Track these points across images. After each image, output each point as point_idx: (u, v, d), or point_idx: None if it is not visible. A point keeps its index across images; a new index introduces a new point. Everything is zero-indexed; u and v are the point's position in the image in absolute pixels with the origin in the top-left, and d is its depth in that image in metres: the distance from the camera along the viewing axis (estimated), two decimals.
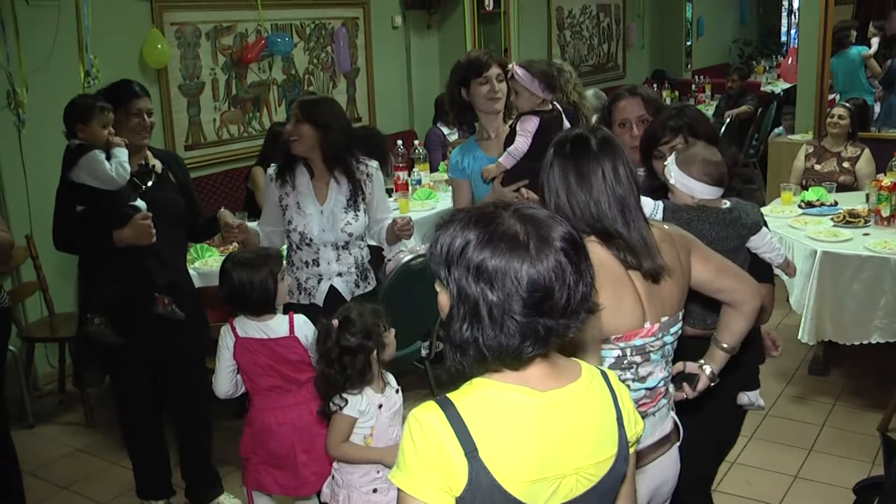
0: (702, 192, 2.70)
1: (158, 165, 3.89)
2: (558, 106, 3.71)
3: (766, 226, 2.89)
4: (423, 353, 4.90)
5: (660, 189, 2.92)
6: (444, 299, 1.62)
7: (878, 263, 4.65)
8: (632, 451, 1.75)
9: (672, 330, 2.28)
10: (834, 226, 5.13)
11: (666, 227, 2.37)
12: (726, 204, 2.77)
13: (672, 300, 2.27)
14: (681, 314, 2.32)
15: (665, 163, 2.79)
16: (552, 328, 1.56)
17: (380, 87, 8.28)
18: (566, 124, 3.69)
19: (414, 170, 6.65)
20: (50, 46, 5.44)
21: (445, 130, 7.34)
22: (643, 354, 2.22)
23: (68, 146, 3.63)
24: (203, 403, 4.05)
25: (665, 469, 2.37)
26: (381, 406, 3.03)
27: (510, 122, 3.76)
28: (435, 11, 8.78)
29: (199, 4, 6.53)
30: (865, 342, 4.76)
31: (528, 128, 3.60)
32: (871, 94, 7.80)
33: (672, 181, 2.73)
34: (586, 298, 1.59)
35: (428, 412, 1.58)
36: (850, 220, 5.15)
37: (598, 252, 2.12)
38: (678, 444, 2.42)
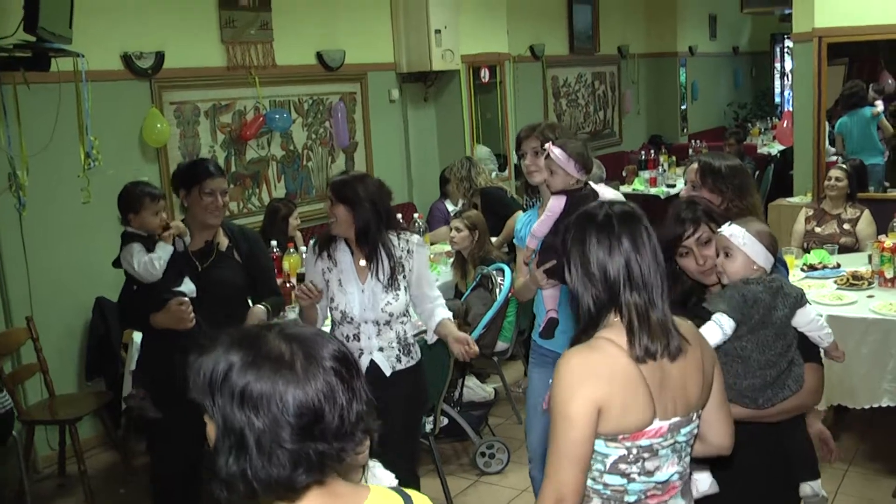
0: (766, 260, 2.73)
1: (224, 243, 3.91)
2: (593, 185, 3.68)
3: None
4: (427, 428, 4.84)
5: (691, 292, 2.90)
6: (210, 431, 1.52)
7: (885, 326, 4.62)
8: None
9: (683, 431, 2.22)
10: (838, 289, 5.11)
11: (696, 330, 2.37)
12: (769, 276, 2.78)
13: (688, 399, 2.22)
14: (695, 416, 2.26)
15: (722, 230, 2.77)
16: (325, 453, 1.46)
17: (378, 160, 8.32)
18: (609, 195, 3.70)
19: None
20: (51, 129, 5.46)
21: (450, 207, 7.33)
22: (650, 452, 2.17)
23: (123, 231, 3.78)
24: None
25: None
26: None
27: None
28: (431, 84, 8.86)
29: (197, 83, 6.59)
30: (875, 406, 4.71)
31: (552, 207, 3.58)
32: (881, 153, 7.83)
33: (741, 244, 2.71)
34: (362, 418, 1.50)
35: None
36: (854, 282, 5.13)
37: (609, 351, 2.12)
38: None
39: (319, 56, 7.58)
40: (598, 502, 2.20)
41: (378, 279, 3.80)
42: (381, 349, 3.83)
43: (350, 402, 1.48)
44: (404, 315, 3.92)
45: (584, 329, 2.21)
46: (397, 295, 3.84)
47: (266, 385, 1.43)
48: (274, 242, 5.69)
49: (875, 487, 4.72)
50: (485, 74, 9.25)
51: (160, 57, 6.24)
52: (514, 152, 3.95)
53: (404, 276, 3.87)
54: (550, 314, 3.68)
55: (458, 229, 5.83)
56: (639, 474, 2.17)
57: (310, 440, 1.44)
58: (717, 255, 2.77)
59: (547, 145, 3.60)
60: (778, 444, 2.82)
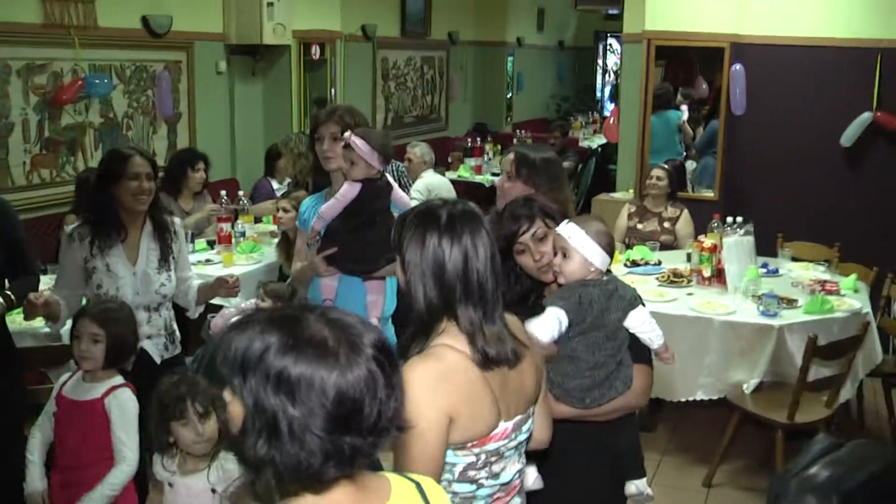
0: (602, 261, 2.68)
1: None
2: (388, 177, 3.63)
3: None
4: None
5: (531, 290, 2.86)
6: (235, 409, 1.45)
7: (702, 323, 4.79)
8: None
9: (524, 428, 2.21)
10: (659, 286, 5.26)
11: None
12: (605, 277, 2.74)
13: (527, 395, 2.20)
14: (531, 410, 2.25)
15: (559, 230, 2.71)
16: (358, 447, 1.42)
17: (202, 133, 7.99)
18: (401, 196, 3.68)
19: (238, 221, 6.41)
20: None
21: (275, 185, 7.14)
22: (497, 455, 2.14)
23: None
24: (13, 477, 3.67)
25: None
26: (170, 485, 2.95)
27: None
28: (261, 58, 8.60)
29: (9, 39, 6.11)
30: (691, 399, 4.89)
31: (345, 192, 3.50)
32: (679, 155, 8.13)
33: (578, 245, 2.64)
34: (398, 415, 1.47)
35: None
36: (675, 279, 5.30)
37: (452, 358, 2.05)
38: None
39: (145, 20, 7.18)
40: None
41: (150, 260, 3.73)
42: (149, 337, 3.75)
43: (389, 397, 1.44)
44: (169, 301, 3.88)
45: (415, 334, 2.12)
46: (170, 276, 3.80)
47: (306, 370, 1.38)
48: (75, 226, 5.35)
49: (687, 476, 4.92)
50: (316, 51, 9.07)
51: None
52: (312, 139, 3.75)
53: (174, 258, 3.83)
54: (326, 304, 3.63)
55: (285, 210, 5.65)
56: (487, 478, 2.13)
57: (345, 433, 1.40)
58: (556, 255, 2.74)
59: (348, 135, 3.48)
60: (603, 443, 2.82)
